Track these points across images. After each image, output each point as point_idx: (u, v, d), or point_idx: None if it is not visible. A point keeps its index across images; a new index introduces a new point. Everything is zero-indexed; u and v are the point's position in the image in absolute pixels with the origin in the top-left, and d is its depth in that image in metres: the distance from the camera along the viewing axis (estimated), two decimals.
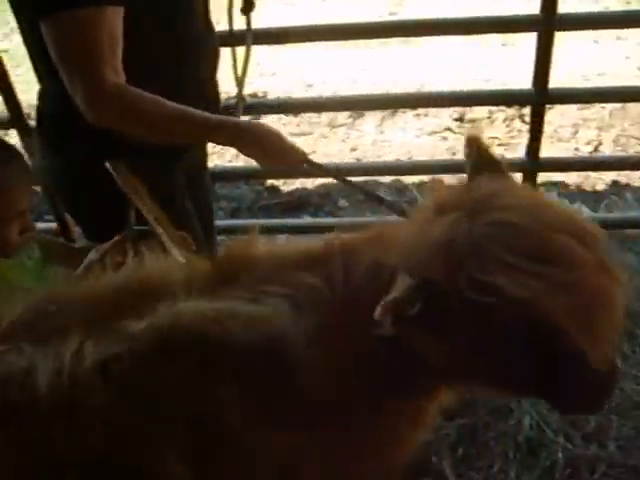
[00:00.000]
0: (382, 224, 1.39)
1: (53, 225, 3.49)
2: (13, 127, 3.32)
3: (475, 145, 1.30)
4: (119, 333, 1.17)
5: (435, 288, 1.06)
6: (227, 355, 1.19)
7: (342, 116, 4.83)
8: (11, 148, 1.71)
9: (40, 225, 3.67)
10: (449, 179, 4.03)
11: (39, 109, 1.91)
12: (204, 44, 1.88)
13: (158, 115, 1.65)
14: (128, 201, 1.75)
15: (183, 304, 1.20)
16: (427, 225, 1.15)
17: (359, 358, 1.22)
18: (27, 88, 4.15)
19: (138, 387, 1.16)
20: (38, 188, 3.57)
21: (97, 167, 1.73)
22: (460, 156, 4.44)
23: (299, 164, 1.87)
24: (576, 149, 4.36)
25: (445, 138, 4.55)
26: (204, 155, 2.34)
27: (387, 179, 4.07)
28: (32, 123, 3.17)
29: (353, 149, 4.56)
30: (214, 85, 2.01)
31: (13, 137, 4.41)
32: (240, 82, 2.11)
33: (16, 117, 3.19)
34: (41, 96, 1.91)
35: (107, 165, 1.69)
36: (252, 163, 4.49)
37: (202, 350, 1.18)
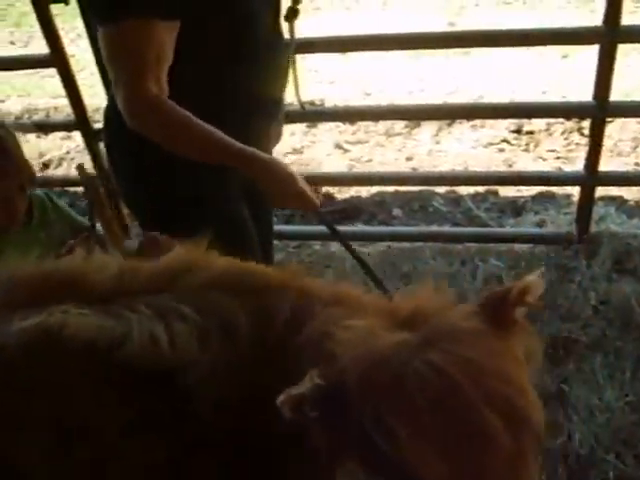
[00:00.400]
0: (358, 292, 1.32)
1: None
2: (77, 129, 3.42)
3: (520, 292, 1.16)
4: (12, 324, 1.18)
5: (339, 402, 1.02)
6: (113, 369, 1.17)
7: (399, 125, 4.83)
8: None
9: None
10: (504, 190, 4.00)
11: (105, 112, 1.97)
12: (272, 49, 1.91)
13: (188, 133, 1.69)
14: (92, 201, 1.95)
15: (76, 312, 1.19)
16: (380, 330, 1.10)
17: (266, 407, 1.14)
18: (91, 92, 4.29)
19: (15, 379, 1.18)
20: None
21: (161, 170, 1.78)
22: (516, 168, 4.39)
23: (308, 210, 1.87)
24: (636, 164, 4.28)
25: (502, 150, 4.51)
26: None
27: (442, 189, 4.06)
28: (96, 126, 3.27)
29: (409, 158, 4.56)
30: (280, 90, 2.05)
31: (77, 139, 4.55)
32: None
33: (81, 120, 3.29)
34: (109, 99, 1.97)
35: (75, 167, 1.78)
36: (307, 170, 4.51)
37: (87, 357, 1.16)
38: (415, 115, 3.96)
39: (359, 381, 1.02)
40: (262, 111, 1.96)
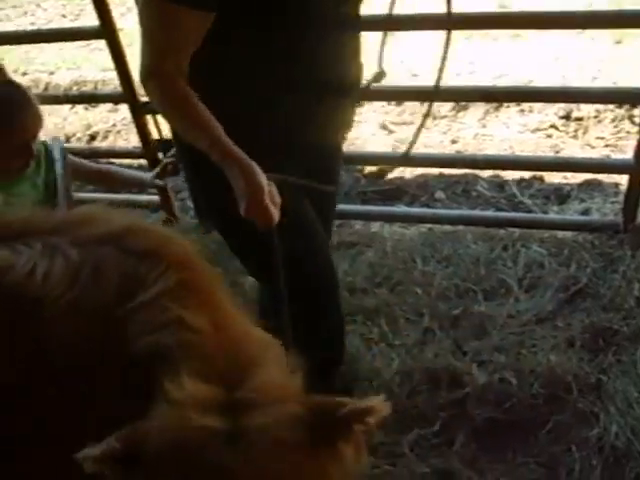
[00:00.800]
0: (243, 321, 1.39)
1: (156, 197, 3.62)
2: (124, 102, 3.46)
3: (358, 412, 1.15)
4: None
5: (130, 467, 1.08)
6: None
7: (445, 108, 4.77)
8: (26, 95, 2.23)
9: (144, 197, 3.81)
10: (550, 177, 3.93)
11: None
12: (348, 27, 1.91)
13: (182, 115, 1.76)
14: None
15: None
16: (203, 405, 1.12)
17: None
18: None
19: None
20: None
21: None
22: (563, 154, 4.30)
23: (260, 224, 1.74)
24: None
25: (549, 136, 4.43)
26: (339, 148, 2.34)
27: (486, 173, 4.01)
28: (142, 99, 3.30)
29: (454, 141, 4.51)
30: (357, 68, 2.10)
31: (124, 112, 4.59)
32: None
33: (128, 93, 3.32)
34: None
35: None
36: (351, 149, 4.47)
37: None
38: (462, 97, 3.91)
39: (154, 455, 1.09)
40: (329, 96, 1.97)
